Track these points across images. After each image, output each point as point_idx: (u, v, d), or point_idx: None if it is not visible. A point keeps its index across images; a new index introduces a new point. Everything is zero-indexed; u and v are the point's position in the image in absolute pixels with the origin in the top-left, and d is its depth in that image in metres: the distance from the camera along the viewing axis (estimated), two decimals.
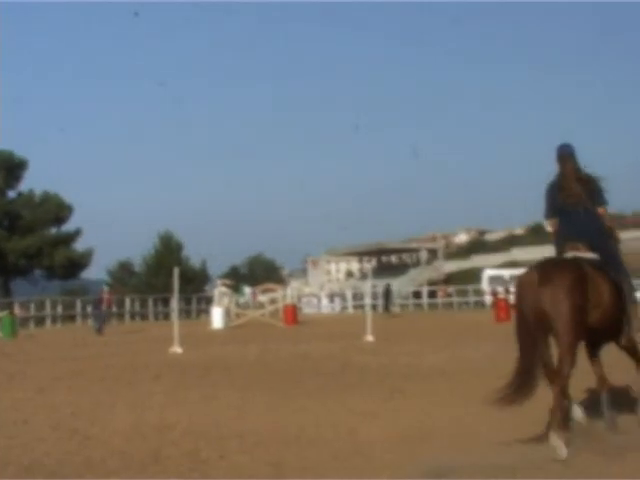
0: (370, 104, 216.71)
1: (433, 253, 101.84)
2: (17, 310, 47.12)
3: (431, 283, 79.54)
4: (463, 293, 65.43)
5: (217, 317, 37.36)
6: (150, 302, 56.28)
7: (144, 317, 55.64)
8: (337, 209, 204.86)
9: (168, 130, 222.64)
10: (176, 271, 22.40)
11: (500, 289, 50.86)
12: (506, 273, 62.96)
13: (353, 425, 8.39)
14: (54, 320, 49.63)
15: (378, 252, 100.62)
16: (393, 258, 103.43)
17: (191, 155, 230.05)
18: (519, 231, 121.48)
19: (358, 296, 65.62)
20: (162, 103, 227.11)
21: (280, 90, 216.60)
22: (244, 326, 36.29)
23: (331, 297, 71.65)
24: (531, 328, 6.92)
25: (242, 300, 67.63)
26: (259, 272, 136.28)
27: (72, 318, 51.49)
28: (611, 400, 7.60)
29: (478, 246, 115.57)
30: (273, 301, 61.10)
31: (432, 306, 64.15)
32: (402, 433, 7.97)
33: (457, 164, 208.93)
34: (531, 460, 6.48)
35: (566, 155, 7.84)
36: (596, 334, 7.25)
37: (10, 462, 7.04)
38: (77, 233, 66.49)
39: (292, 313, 39.66)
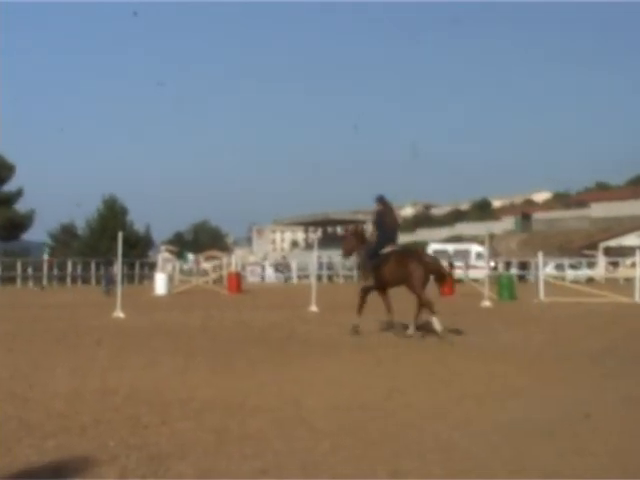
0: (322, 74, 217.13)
1: None
2: None
3: None
4: None
5: (160, 283, 37.12)
6: (92, 266, 55.70)
7: (86, 281, 55.07)
8: (285, 178, 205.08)
9: (117, 94, 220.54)
10: (120, 235, 22.13)
11: (444, 263, 51.17)
12: (450, 247, 63.40)
13: (296, 394, 8.37)
14: None
15: (324, 223, 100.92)
16: (339, 229, 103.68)
17: (138, 119, 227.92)
18: (464, 206, 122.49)
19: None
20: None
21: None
22: (187, 293, 36.08)
23: (276, 267, 71.57)
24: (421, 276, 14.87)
25: (186, 267, 67.42)
26: (204, 239, 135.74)
27: (12, 280, 50.79)
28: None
29: (424, 220, 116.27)
30: (217, 269, 60.91)
31: None
32: (345, 402, 7.98)
33: (406, 139, 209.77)
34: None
35: (385, 200, 16.02)
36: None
37: None
38: (18, 194, 65.37)
39: (236, 281, 39.53)
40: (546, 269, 42.76)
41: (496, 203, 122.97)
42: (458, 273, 46.81)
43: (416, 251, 16.46)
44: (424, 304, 14.77)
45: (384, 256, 15.25)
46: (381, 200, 15.94)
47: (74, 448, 6.09)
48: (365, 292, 15.90)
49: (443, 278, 15.75)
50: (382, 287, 15.69)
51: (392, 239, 15.67)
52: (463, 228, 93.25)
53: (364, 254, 16.02)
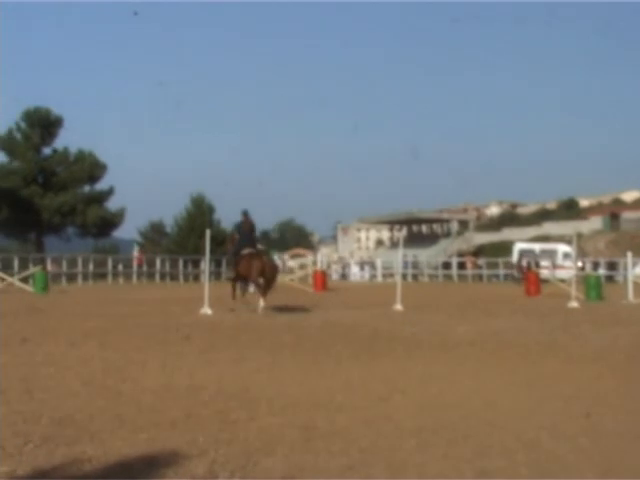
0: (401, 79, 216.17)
1: (464, 224, 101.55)
2: (49, 266, 47.62)
3: (461, 254, 79.29)
4: (493, 266, 64.89)
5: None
6: (180, 263, 56.64)
7: (174, 277, 56.01)
8: (370, 177, 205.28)
9: (201, 94, 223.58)
10: (208, 233, 22.42)
11: (531, 262, 50.36)
12: (537, 247, 62.50)
13: (382, 392, 8.41)
14: (85, 277, 50.24)
15: (409, 221, 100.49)
16: (424, 228, 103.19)
17: (226, 120, 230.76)
18: (551, 205, 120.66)
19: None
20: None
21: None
22: (273, 290, 36.31)
23: (361, 265, 71.57)
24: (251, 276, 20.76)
25: None
26: (289, 237, 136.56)
27: (103, 276, 52.00)
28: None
29: (510, 219, 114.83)
30: (303, 266, 61.22)
31: (461, 277, 63.82)
32: (431, 401, 8.00)
33: (492, 138, 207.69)
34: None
35: (247, 213, 21.41)
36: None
37: (43, 415, 7.13)
38: (110, 192, 66.70)
39: (322, 279, 39.65)
40: (635, 269, 41.87)
41: (584, 202, 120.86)
42: (544, 273, 46.31)
43: (259, 254, 21.44)
44: (259, 289, 20.85)
45: (241, 256, 20.78)
46: (244, 214, 21.53)
47: (164, 442, 6.24)
48: (232, 282, 21.70)
49: (272, 274, 21.32)
50: (241, 279, 21.42)
51: (249, 243, 21.22)
52: (550, 227, 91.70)
53: (231, 254, 22.07)
